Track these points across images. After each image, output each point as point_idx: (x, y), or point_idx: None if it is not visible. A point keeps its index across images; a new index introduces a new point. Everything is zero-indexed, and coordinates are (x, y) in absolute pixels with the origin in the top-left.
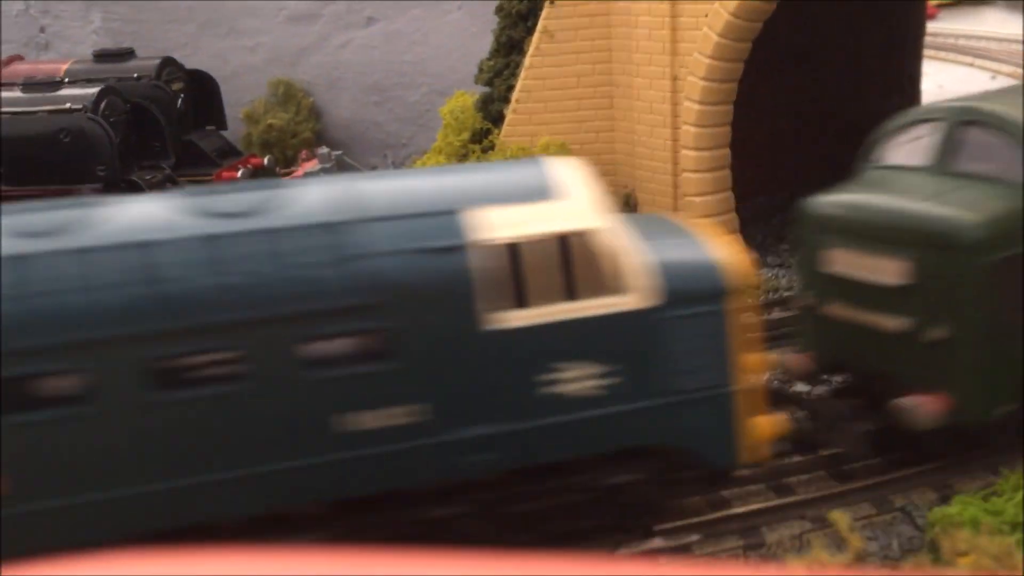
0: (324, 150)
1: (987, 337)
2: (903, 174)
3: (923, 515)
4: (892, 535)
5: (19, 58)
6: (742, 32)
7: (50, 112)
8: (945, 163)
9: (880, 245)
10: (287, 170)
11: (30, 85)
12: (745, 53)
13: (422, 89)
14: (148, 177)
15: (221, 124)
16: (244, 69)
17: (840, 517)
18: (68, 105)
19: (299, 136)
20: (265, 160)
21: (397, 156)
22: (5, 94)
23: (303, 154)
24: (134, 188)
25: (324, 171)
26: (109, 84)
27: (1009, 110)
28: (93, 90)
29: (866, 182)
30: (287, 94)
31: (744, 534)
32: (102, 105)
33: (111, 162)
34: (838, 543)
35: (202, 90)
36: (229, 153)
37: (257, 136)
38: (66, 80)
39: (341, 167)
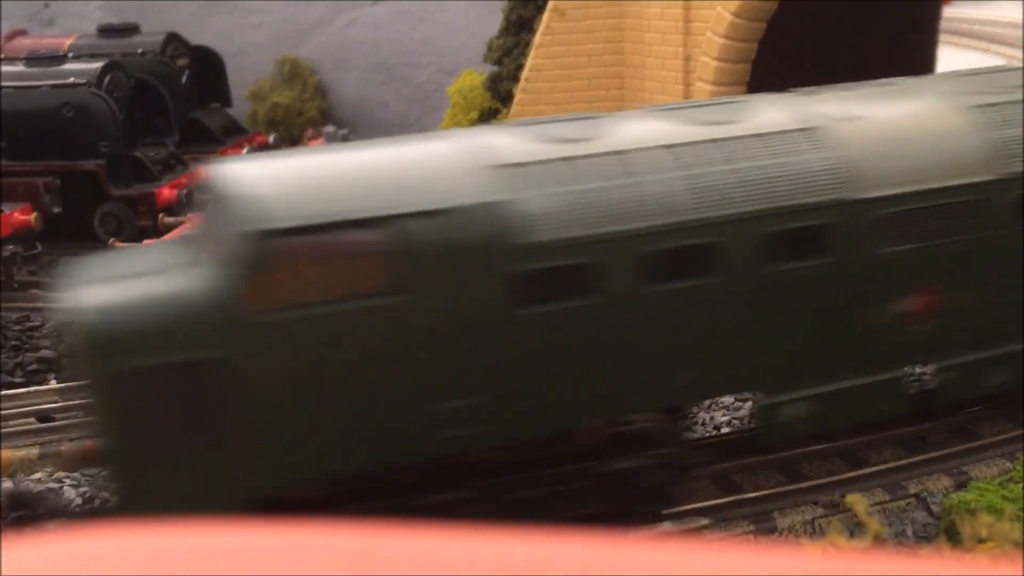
0: (330, 129)
1: (140, 464)
2: (172, 247)
3: (938, 502)
4: (906, 521)
5: (22, 32)
6: (756, 12)
7: (53, 87)
8: (200, 234)
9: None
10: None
11: (33, 59)
12: (759, 33)
13: (429, 68)
14: (152, 154)
15: (226, 102)
16: (249, 46)
17: (857, 501)
18: (72, 80)
19: (305, 115)
20: (271, 138)
21: (404, 136)
22: (8, 68)
23: (308, 132)
24: (138, 164)
25: None
26: (113, 59)
27: (234, 169)
28: (97, 65)
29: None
30: (293, 72)
31: (755, 519)
32: (106, 80)
33: (115, 138)
34: (852, 528)
35: (207, 67)
36: (234, 131)
37: (263, 114)
38: (70, 55)
39: None
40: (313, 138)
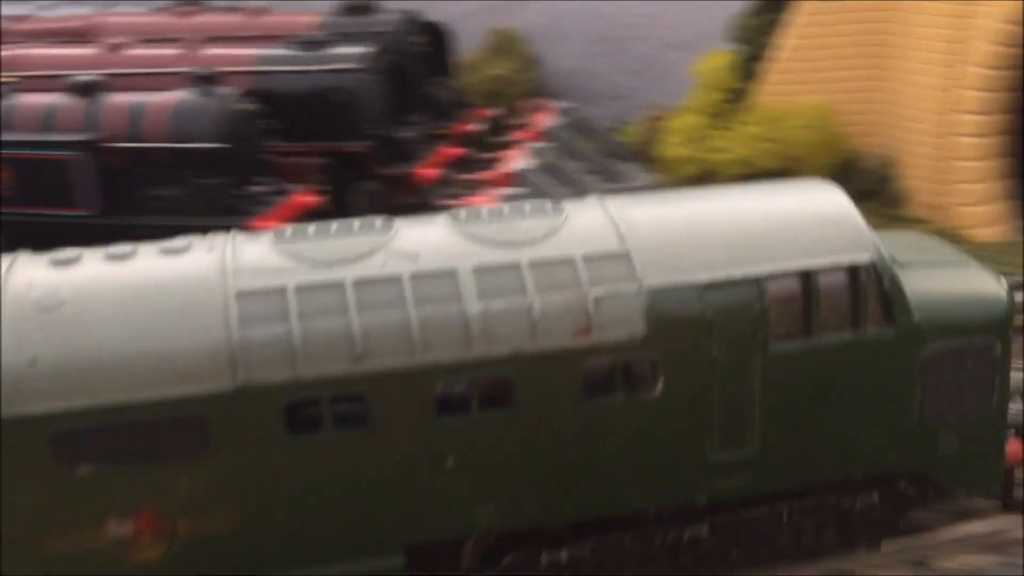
0: (564, 104)
1: None
2: None
3: None
4: None
5: (266, 11)
6: None
7: (326, 71)
8: None
9: None
10: (517, 122)
11: (304, 43)
12: None
13: (651, 41)
14: (407, 133)
15: (449, 75)
16: (459, 15)
17: None
18: (342, 64)
19: (518, 86)
20: (494, 113)
21: (619, 108)
22: (280, 52)
23: (532, 103)
24: (396, 144)
25: (562, 128)
26: (376, 42)
27: None
28: (363, 49)
29: None
30: (505, 43)
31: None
32: (371, 63)
33: (381, 119)
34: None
35: (435, 42)
36: (458, 105)
37: (476, 86)
38: (323, 35)
39: (575, 123)
40: (539, 110)
